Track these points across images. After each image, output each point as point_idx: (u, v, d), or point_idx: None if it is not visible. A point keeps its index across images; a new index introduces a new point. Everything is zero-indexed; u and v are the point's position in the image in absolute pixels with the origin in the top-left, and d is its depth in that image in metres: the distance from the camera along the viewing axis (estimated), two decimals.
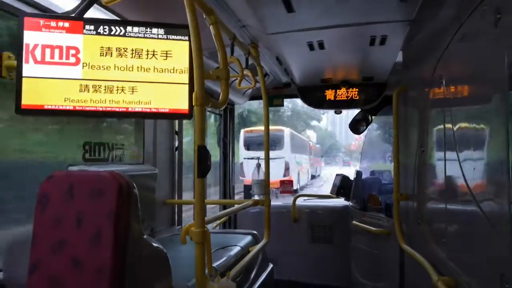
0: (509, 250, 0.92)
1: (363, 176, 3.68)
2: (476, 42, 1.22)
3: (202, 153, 1.37)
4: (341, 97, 3.51)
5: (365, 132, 3.86)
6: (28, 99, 1.56)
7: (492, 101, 1.06)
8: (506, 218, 0.94)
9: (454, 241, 1.41)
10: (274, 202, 3.78)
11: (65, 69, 1.60)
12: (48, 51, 1.57)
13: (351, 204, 3.65)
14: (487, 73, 1.13)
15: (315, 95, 3.59)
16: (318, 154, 30.10)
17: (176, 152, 2.93)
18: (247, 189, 3.62)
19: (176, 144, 2.94)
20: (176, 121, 2.88)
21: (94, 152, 2.04)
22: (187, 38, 1.72)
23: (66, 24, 1.59)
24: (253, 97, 3.95)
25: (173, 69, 1.72)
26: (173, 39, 1.72)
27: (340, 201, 3.88)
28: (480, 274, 1.17)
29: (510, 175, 0.92)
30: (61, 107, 1.59)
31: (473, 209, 1.18)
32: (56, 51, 1.58)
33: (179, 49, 1.73)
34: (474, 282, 1.21)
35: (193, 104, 1.37)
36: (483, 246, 1.13)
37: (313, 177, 24.10)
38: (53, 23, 1.57)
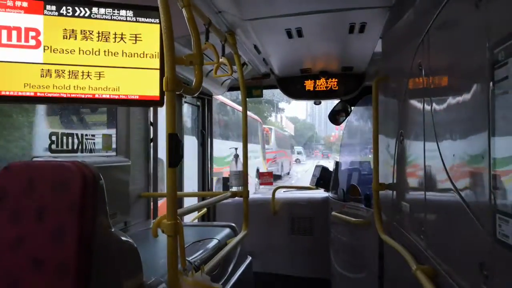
0: (489, 238, 0.89)
1: (343, 167, 3.67)
2: (457, 27, 1.18)
3: (174, 141, 1.29)
4: (321, 88, 3.48)
5: (344, 123, 3.85)
6: None
7: (473, 89, 1.03)
8: (487, 207, 0.91)
9: (433, 230, 1.40)
10: (253, 195, 3.73)
11: (24, 52, 1.48)
12: (4, 32, 1.45)
13: (331, 195, 3.64)
14: (467, 58, 1.10)
15: (295, 86, 3.56)
16: (286, 145, 22.79)
17: (151, 143, 2.85)
18: (225, 181, 3.59)
19: (151, 135, 2.85)
20: (151, 111, 2.79)
21: (61, 143, 1.93)
22: (157, 21, 1.63)
23: (25, 4, 1.47)
24: (231, 88, 3.88)
25: (143, 54, 1.63)
26: (143, 22, 1.62)
27: (320, 192, 3.87)
28: (459, 263, 1.15)
29: (491, 163, 0.89)
30: (20, 94, 1.47)
31: (453, 198, 1.15)
32: (14, 32, 1.46)
33: (150, 33, 1.63)
34: (453, 271, 1.19)
35: (164, 89, 1.30)
36: (463, 234, 1.11)
37: (276, 177, 16.71)
38: (9, 2, 1.45)
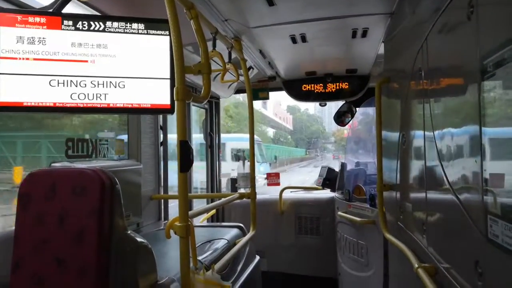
0: (482, 237, 0.94)
1: (348, 167, 3.72)
2: (452, 35, 1.24)
3: (184, 147, 1.37)
4: (326, 90, 3.54)
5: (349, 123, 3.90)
6: (6, 96, 1.53)
7: (466, 94, 1.09)
8: (479, 207, 0.96)
9: (433, 229, 1.45)
10: (261, 195, 3.80)
11: (44, 65, 1.57)
12: (26, 47, 1.54)
13: (336, 195, 3.69)
14: (461, 66, 1.15)
15: (300, 88, 3.62)
16: None
17: (161, 147, 2.93)
18: (233, 183, 3.68)
19: (161, 139, 2.93)
20: (161, 116, 2.87)
21: (77, 148, 2.02)
22: (167, 32, 1.71)
23: (44, 20, 1.57)
24: (238, 90, 3.95)
25: (154, 64, 1.71)
26: (154, 34, 1.71)
27: (326, 193, 3.93)
28: (457, 261, 1.21)
29: (483, 165, 0.95)
30: (40, 104, 1.57)
31: (450, 198, 1.21)
32: (34, 47, 1.55)
33: (160, 44, 1.72)
34: (452, 269, 1.24)
35: (175, 98, 1.37)
36: (460, 234, 1.16)
37: None
38: (30, 19, 1.54)
